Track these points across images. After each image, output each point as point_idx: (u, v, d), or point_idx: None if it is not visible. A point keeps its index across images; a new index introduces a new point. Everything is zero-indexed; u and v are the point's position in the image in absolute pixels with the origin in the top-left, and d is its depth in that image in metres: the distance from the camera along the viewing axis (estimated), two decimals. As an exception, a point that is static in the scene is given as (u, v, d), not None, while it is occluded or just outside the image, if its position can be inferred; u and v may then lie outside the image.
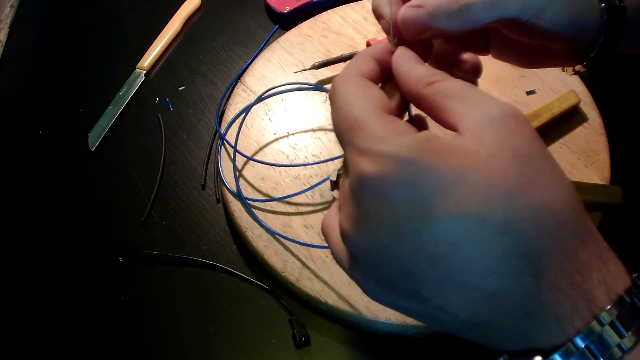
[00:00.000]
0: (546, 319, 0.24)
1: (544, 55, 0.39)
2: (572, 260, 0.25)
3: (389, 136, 0.25)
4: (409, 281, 0.26)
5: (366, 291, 0.29)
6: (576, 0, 0.35)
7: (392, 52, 0.31)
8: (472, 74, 0.34)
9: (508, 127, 0.25)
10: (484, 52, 0.40)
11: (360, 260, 0.27)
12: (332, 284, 0.49)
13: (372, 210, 0.25)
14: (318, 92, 0.62)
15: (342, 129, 0.27)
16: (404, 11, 0.32)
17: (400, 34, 0.33)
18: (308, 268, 0.50)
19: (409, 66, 0.30)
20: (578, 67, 0.40)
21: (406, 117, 0.31)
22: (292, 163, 0.57)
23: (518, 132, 0.26)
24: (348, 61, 0.63)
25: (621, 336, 0.24)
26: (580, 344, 0.24)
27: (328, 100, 0.61)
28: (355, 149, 0.26)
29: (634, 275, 0.26)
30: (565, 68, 0.42)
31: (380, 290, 0.28)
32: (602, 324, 0.24)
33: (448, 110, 0.27)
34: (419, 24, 0.32)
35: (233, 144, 0.58)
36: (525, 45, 0.38)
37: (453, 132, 0.27)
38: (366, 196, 0.25)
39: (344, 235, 0.27)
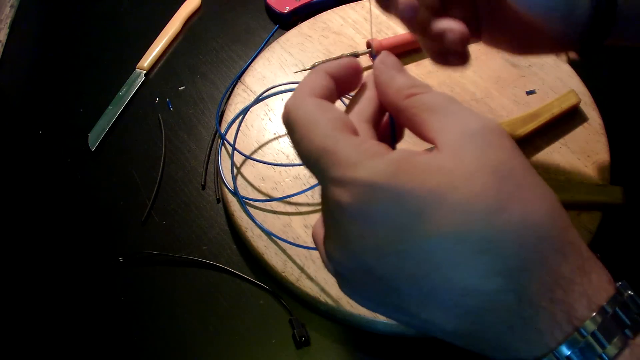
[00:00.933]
0: (527, 333, 0.25)
1: (536, 40, 0.39)
2: (553, 275, 0.24)
3: (361, 161, 0.25)
4: (394, 298, 0.26)
5: (355, 301, 0.29)
6: None
7: (352, 67, 0.30)
8: (460, 42, 0.34)
9: (487, 142, 0.25)
10: (476, 37, 0.40)
11: (346, 278, 0.28)
12: (332, 284, 0.49)
13: (353, 235, 0.25)
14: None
15: (310, 162, 0.27)
16: None
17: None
18: (308, 268, 0.50)
19: (390, 75, 0.29)
20: (572, 54, 0.40)
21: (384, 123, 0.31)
22: (293, 163, 0.57)
23: (498, 146, 0.25)
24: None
25: (603, 347, 0.24)
26: (564, 354, 0.24)
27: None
28: (329, 180, 0.26)
29: (618, 283, 0.26)
30: (560, 55, 0.42)
31: (367, 303, 0.28)
32: (583, 336, 0.24)
33: (427, 124, 0.27)
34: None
35: (230, 144, 0.58)
36: (518, 30, 0.38)
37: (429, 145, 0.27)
38: (345, 224, 0.25)
39: (328, 255, 0.28)
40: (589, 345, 0.24)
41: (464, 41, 0.35)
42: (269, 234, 0.52)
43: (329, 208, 0.26)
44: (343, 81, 0.30)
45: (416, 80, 0.29)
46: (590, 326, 0.24)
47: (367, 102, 0.30)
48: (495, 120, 0.26)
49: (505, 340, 0.25)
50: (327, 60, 0.62)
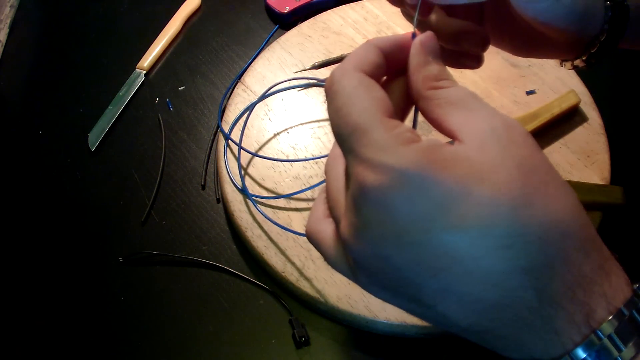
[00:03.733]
0: (545, 333, 0.24)
1: (540, 44, 0.38)
2: (575, 273, 0.24)
3: (392, 146, 0.24)
4: (410, 288, 0.26)
5: (369, 292, 0.28)
6: None
7: (404, 44, 0.29)
8: (481, 45, 0.34)
9: (511, 138, 0.25)
10: None
11: (363, 266, 0.27)
12: (332, 284, 0.49)
13: (374, 221, 0.25)
14: (318, 92, 0.62)
15: (342, 134, 0.26)
16: None
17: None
18: (308, 268, 0.50)
19: (424, 60, 0.28)
20: (577, 62, 0.40)
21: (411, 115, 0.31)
22: (293, 164, 0.57)
23: (521, 143, 0.25)
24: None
25: (619, 350, 0.24)
26: (579, 356, 0.24)
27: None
28: (357, 158, 0.25)
29: (635, 285, 0.26)
30: (564, 62, 0.41)
31: (383, 293, 0.27)
32: (599, 338, 0.24)
33: (448, 117, 0.26)
34: None
35: (236, 143, 0.58)
36: (523, 32, 0.38)
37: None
38: (367, 208, 0.25)
39: (345, 242, 0.27)
40: (605, 349, 0.24)
41: (485, 46, 0.34)
42: (280, 227, 0.52)
43: (352, 189, 0.26)
44: (394, 58, 0.29)
45: (447, 72, 0.28)
46: (608, 329, 0.24)
47: (400, 87, 0.29)
48: (516, 120, 0.26)
49: (521, 339, 0.25)
50: (327, 61, 0.62)
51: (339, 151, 0.29)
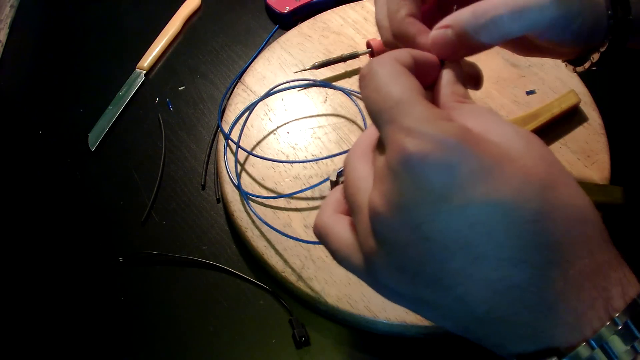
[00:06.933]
0: (566, 316, 0.25)
1: (544, 49, 0.39)
2: (595, 257, 0.25)
3: (433, 119, 0.26)
4: (434, 265, 0.26)
5: (382, 281, 0.28)
6: (595, 10, 0.36)
7: (434, 63, 0.32)
8: (473, 84, 0.35)
9: (530, 139, 0.27)
10: None
11: (388, 241, 0.26)
12: (332, 284, 0.49)
13: (412, 187, 0.25)
14: (318, 92, 0.62)
15: (382, 108, 0.27)
16: (433, 34, 0.33)
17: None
18: (308, 268, 0.50)
19: (454, 79, 0.31)
20: (579, 69, 0.41)
21: None
22: (296, 160, 0.57)
23: (539, 144, 0.27)
24: (348, 61, 0.63)
25: (634, 337, 0.25)
26: (595, 344, 0.25)
27: (327, 99, 0.61)
28: (399, 128, 0.26)
29: None
30: (568, 65, 0.42)
31: (399, 277, 0.27)
32: (616, 324, 0.25)
33: (471, 121, 0.28)
34: (448, 44, 0.32)
35: (236, 143, 0.58)
36: (527, 40, 0.38)
37: None
38: (407, 174, 0.25)
39: (375, 213, 0.27)
40: (621, 335, 0.25)
41: (478, 85, 0.36)
42: (271, 228, 0.52)
43: (389, 158, 0.26)
44: (419, 69, 0.31)
45: (469, 95, 0.31)
46: (624, 316, 0.25)
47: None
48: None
49: (540, 324, 0.25)
50: (327, 61, 0.62)
51: (359, 149, 0.30)
